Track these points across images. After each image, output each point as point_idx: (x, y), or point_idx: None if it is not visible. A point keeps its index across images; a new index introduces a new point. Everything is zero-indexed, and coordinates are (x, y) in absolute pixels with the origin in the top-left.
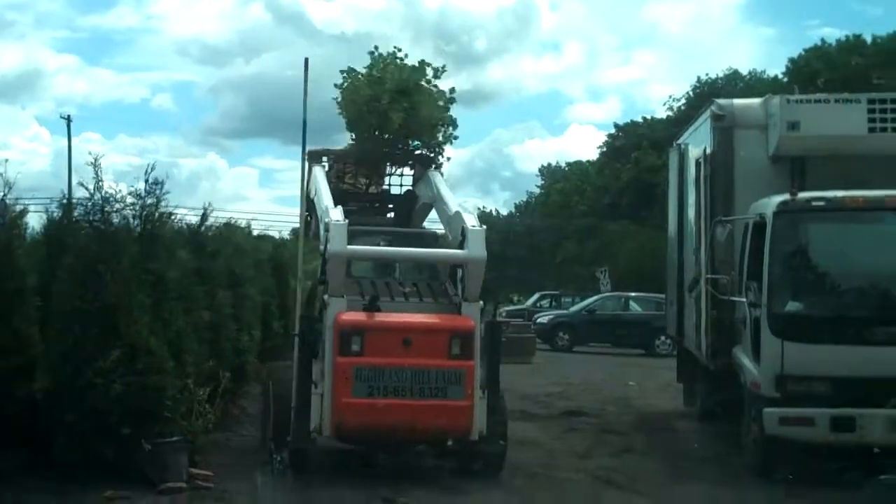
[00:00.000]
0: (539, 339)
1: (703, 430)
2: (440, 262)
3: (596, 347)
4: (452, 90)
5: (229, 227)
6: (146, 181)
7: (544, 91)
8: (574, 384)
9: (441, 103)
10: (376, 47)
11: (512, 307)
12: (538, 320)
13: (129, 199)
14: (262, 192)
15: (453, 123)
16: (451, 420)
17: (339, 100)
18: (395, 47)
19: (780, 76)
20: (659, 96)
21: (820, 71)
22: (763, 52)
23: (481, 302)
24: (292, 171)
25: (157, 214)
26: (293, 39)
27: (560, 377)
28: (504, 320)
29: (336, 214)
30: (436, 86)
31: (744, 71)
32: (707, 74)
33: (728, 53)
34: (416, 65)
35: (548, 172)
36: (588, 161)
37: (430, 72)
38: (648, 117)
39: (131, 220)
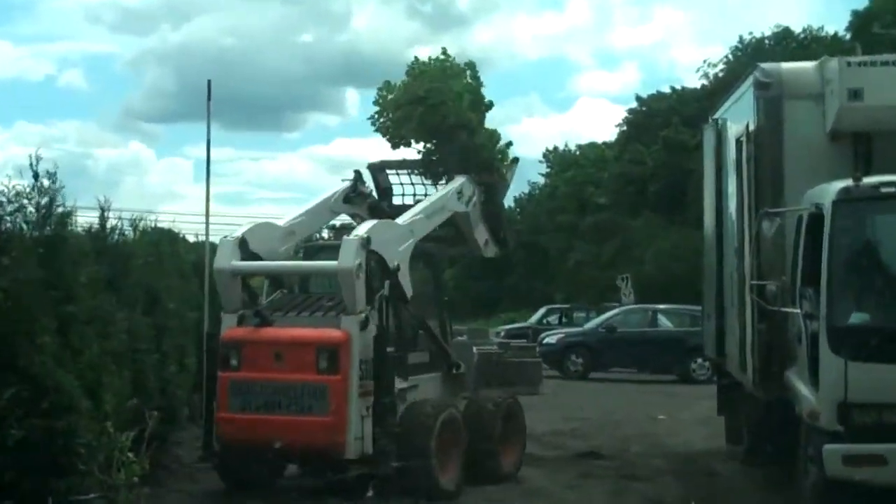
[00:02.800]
0: (546, 364)
1: (751, 475)
2: (315, 274)
3: (617, 373)
4: (509, 144)
5: (152, 233)
6: (34, 175)
7: (545, 57)
8: (590, 419)
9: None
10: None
11: (511, 325)
12: (545, 341)
13: (23, 201)
14: (200, 189)
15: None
16: (317, 437)
17: (385, 104)
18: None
19: (841, 34)
20: (690, 61)
21: (890, 27)
22: (820, 4)
23: (364, 315)
24: (238, 161)
25: (53, 217)
26: (230, 0)
27: (573, 411)
28: (499, 343)
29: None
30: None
31: (796, 28)
32: (751, 33)
33: (777, 7)
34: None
35: (554, 158)
36: (604, 143)
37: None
38: (678, 87)
39: (24, 225)
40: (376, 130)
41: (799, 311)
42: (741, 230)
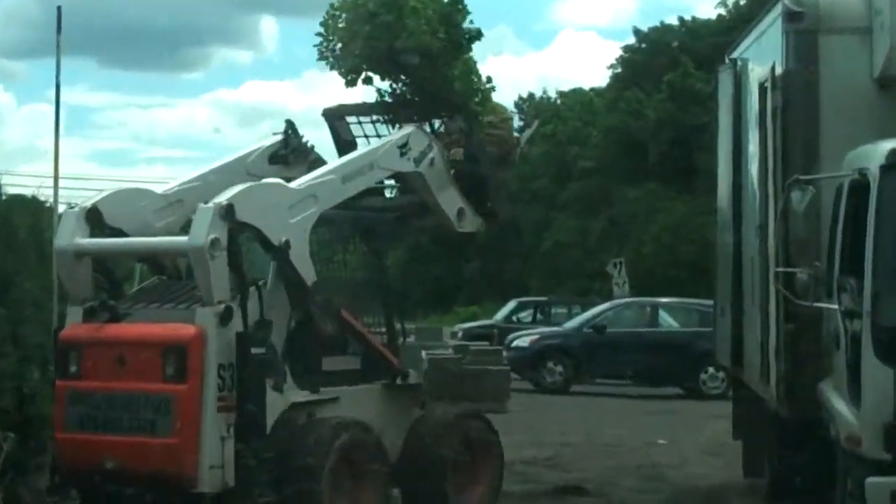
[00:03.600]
0: (517, 374)
1: None
2: (161, 253)
3: (606, 385)
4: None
5: (5, 201)
6: None
7: None
8: (572, 445)
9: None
10: None
11: (472, 324)
12: (514, 343)
13: None
14: (72, 144)
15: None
16: (161, 464)
17: (332, 25)
18: None
19: None
20: None
21: None
22: None
23: (223, 306)
24: (123, 109)
25: None
26: None
27: (550, 434)
28: (456, 346)
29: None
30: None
31: None
32: None
33: None
34: None
35: (528, 108)
36: (592, 89)
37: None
38: (687, 18)
39: None
40: (320, 59)
41: (837, 306)
42: (765, 203)
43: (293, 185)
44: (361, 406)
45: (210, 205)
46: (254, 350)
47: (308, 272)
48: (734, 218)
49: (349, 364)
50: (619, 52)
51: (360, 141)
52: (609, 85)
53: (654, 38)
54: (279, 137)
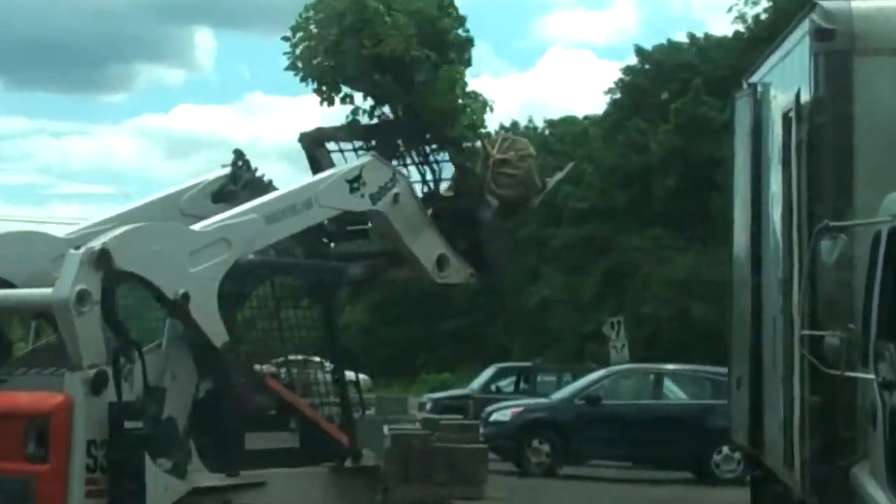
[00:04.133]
0: (495, 453)
1: None
2: (24, 308)
3: (602, 467)
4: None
5: None
6: None
7: None
8: None
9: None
10: None
11: (444, 393)
12: (493, 417)
13: None
14: None
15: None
16: None
17: (304, 27)
18: None
19: None
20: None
21: None
22: None
23: (95, 371)
24: (32, 137)
25: None
26: None
27: None
28: (425, 419)
29: None
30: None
31: None
32: None
33: None
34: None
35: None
36: (587, 118)
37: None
38: (698, 35)
39: None
40: (289, 68)
41: (874, 376)
42: (789, 253)
43: (198, 226)
44: (297, 493)
45: (80, 250)
46: (135, 423)
47: (216, 331)
48: (753, 271)
49: (285, 442)
50: (619, 75)
51: None
52: (606, 113)
53: (659, 59)
54: (225, 171)
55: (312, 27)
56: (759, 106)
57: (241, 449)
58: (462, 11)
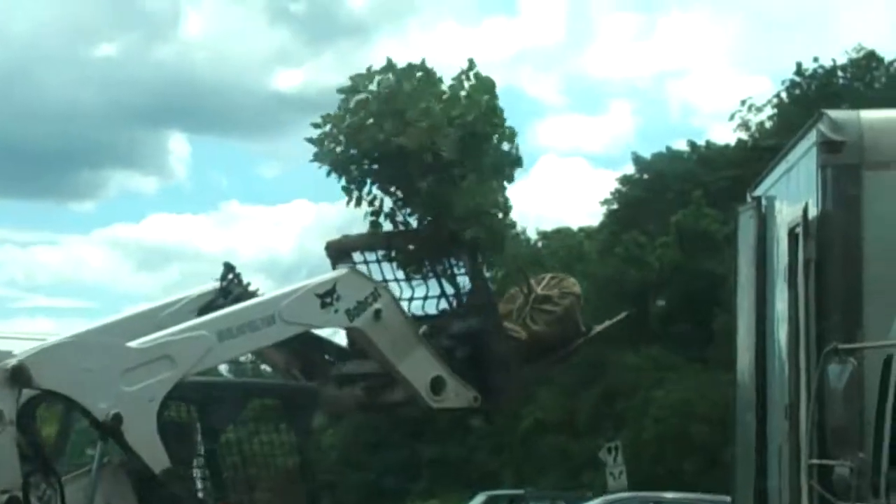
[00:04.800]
0: None
1: None
2: None
3: None
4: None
5: None
6: None
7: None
8: None
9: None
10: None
11: None
12: None
13: None
14: None
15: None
16: None
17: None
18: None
19: None
20: (718, 102)
21: None
22: None
23: (6, 496)
24: None
25: None
26: None
27: None
28: None
29: None
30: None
31: (888, 54)
32: (815, 60)
33: (856, 18)
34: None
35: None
36: (582, 230)
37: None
38: (699, 143)
39: None
40: (316, 160)
41: None
42: (795, 376)
43: (137, 343)
44: None
45: None
46: None
47: (154, 456)
48: (757, 395)
49: None
50: (615, 185)
51: None
52: (602, 225)
53: (658, 168)
54: (212, 285)
55: (345, 120)
56: (764, 220)
57: None
58: None
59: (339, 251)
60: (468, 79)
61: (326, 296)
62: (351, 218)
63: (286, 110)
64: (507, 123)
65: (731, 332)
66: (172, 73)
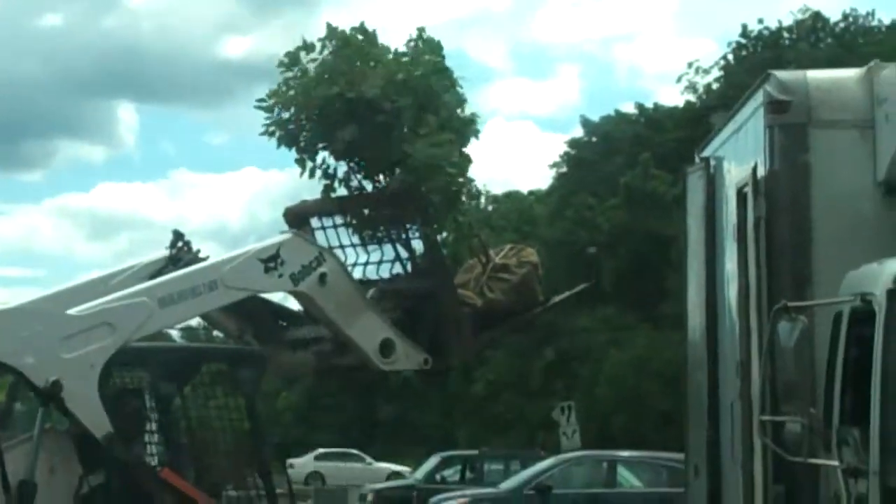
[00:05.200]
0: None
1: None
2: None
3: None
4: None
5: None
6: None
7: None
8: None
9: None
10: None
11: (385, 484)
12: None
13: None
14: None
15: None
16: None
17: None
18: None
19: None
20: (666, 65)
21: None
22: None
23: None
24: None
25: None
26: None
27: None
28: None
29: None
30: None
31: (832, 13)
32: (760, 21)
33: None
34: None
35: None
36: (532, 193)
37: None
38: (647, 105)
39: None
40: (265, 133)
41: (837, 463)
42: (746, 334)
43: (77, 310)
44: None
45: None
46: None
47: (95, 421)
48: (709, 353)
49: None
50: (564, 148)
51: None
52: (552, 188)
53: (606, 131)
54: (162, 253)
55: (291, 90)
56: (713, 181)
57: None
58: None
59: (296, 217)
60: (418, 45)
61: (270, 260)
62: (300, 185)
63: (234, 78)
64: (458, 89)
65: (682, 292)
66: (119, 43)
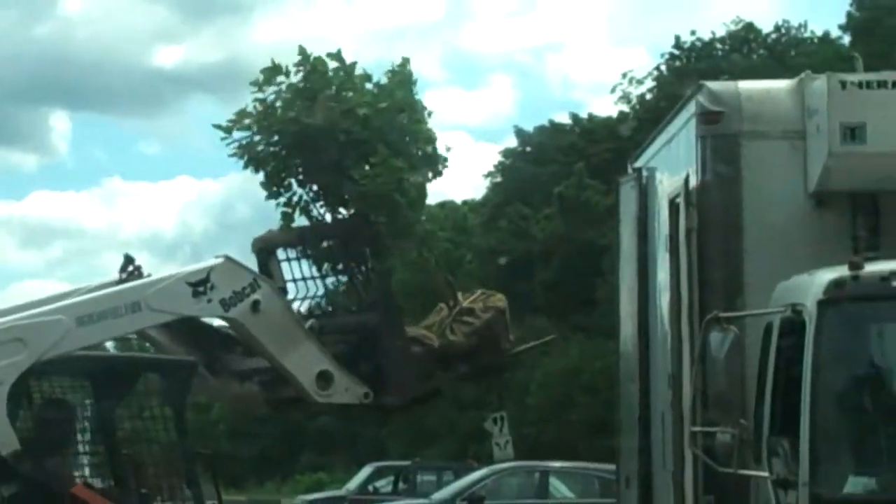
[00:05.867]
0: None
1: None
2: None
3: None
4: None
5: None
6: None
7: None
8: None
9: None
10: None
11: (318, 495)
12: None
13: None
14: None
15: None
16: None
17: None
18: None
19: (835, 34)
20: (598, 75)
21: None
22: None
23: None
24: None
25: None
26: None
27: None
28: None
29: None
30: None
31: (765, 25)
32: (693, 33)
33: None
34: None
35: None
36: (465, 203)
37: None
38: (581, 116)
39: None
40: (235, 156)
41: (767, 474)
42: (678, 345)
43: None
44: None
45: None
46: None
47: (3, 439)
48: (641, 364)
49: None
50: (498, 158)
51: (292, 286)
52: (486, 198)
53: (540, 141)
54: (113, 277)
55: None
56: (645, 191)
57: None
58: None
59: (262, 248)
60: (391, 76)
61: (199, 284)
62: (233, 195)
63: (167, 87)
64: (427, 126)
65: (615, 302)
66: (52, 51)
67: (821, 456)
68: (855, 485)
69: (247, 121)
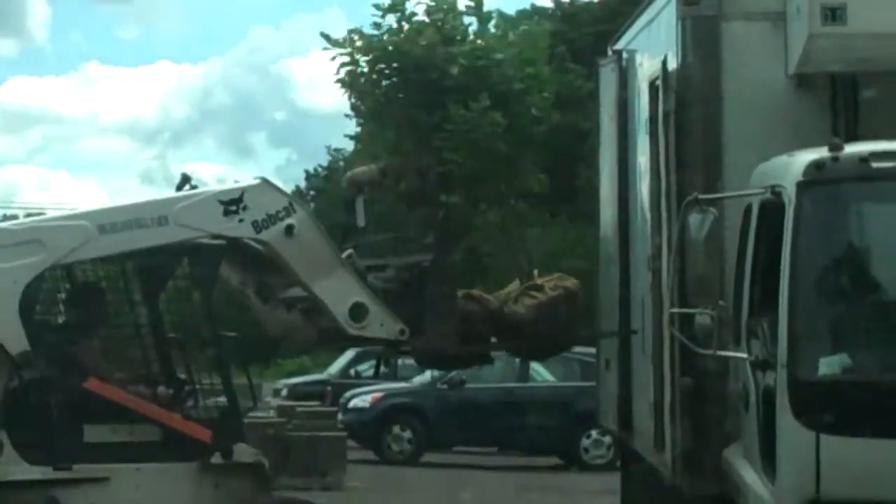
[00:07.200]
0: (355, 441)
1: None
2: None
3: (467, 454)
4: None
5: None
6: None
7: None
8: None
9: None
10: None
11: (300, 379)
12: (352, 403)
13: None
14: None
15: None
16: None
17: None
18: None
19: None
20: None
21: None
22: None
23: None
24: None
25: None
26: None
27: None
28: (280, 406)
29: None
30: None
31: None
32: None
33: None
34: None
35: None
36: None
37: None
38: (564, 0)
39: None
40: (345, 86)
41: (746, 356)
42: (657, 228)
43: (9, 224)
44: (150, 491)
45: None
46: None
47: (11, 337)
48: (620, 247)
49: (146, 435)
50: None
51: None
52: None
53: (522, 25)
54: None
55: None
56: (625, 74)
57: (76, 441)
58: None
59: (353, 184)
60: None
61: (232, 203)
62: (213, 80)
63: None
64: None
65: (594, 187)
66: None
67: (799, 337)
68: (832, 365)
69: (357, 41)
